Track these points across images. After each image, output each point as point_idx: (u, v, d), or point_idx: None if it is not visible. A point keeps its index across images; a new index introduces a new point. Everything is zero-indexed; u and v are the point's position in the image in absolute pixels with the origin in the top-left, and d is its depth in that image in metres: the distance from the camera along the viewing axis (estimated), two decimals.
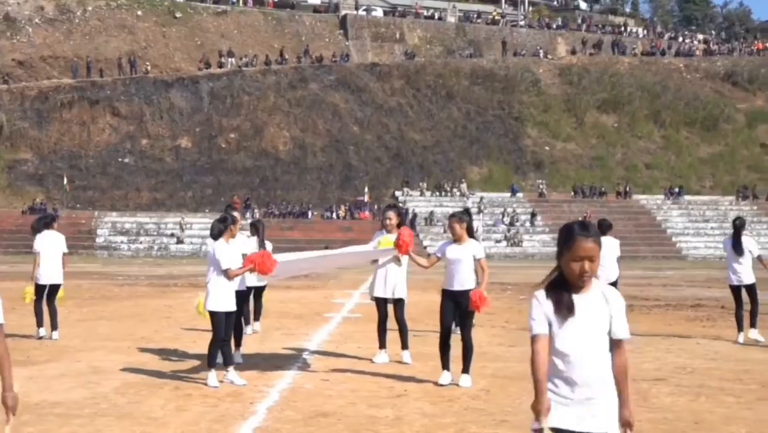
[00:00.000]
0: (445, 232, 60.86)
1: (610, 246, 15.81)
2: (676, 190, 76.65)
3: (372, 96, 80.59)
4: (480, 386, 11.48)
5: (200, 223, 64.08)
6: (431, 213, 67.26)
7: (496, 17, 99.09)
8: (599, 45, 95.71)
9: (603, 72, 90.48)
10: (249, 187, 69.97)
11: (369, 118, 78.82)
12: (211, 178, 71.39)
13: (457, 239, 11.81)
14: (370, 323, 18.13)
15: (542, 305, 4.93)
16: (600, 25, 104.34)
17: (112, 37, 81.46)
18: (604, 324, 4.89)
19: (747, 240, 16.46)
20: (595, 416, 4.84)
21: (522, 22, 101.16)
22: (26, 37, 79.65)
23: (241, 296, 13.19)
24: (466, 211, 12.84)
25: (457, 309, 11.70)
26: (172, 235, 63.58)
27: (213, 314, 11.76)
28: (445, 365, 11.80)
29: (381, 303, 13.57)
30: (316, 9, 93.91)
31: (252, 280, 14.85)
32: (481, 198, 71.67)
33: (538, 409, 4.75)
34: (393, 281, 13.27)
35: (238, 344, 13.45)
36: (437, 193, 73.14)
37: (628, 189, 76.07)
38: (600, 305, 4.89)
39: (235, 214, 12.79)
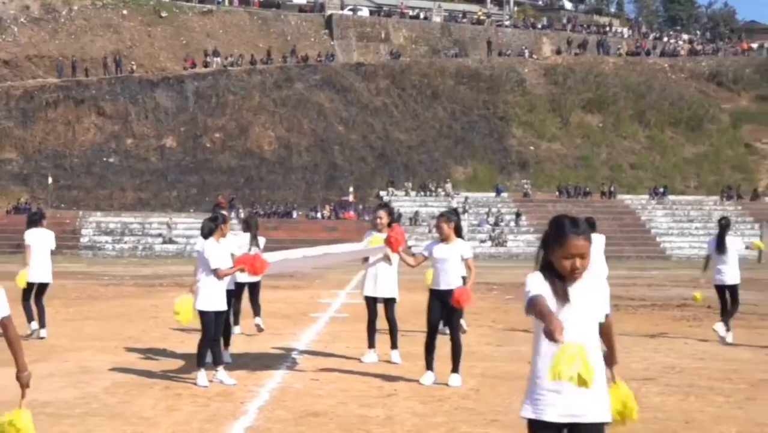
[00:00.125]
0: (430, 232, 60.96)
1: (595, 242, 15.84)
2: (661, 190, 76.82)
3: (357, 96, 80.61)
4: (469, 386, 11.51)
5: (185, 223, 64.06)
6: (416, 213, 67.28)
7: (482, 17, 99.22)
8: (584, 45, 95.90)
9: (588, 72, 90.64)
10: (234, 187, 69.89)
11: (354, 118, 78.84)
12: (196, 178, 71.27)
13: (444, 239, 11.86)
14: (357, 322, 18.19)
15: (540, 282, 4.94)
16: (585, 25, 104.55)
17: (97, 36, 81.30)
18: (595, 311, 4.95)
19: (731, 239, 16.54)
20: (584, 406, 4.89)
21: (507, 22, 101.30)
22: (11, 37, 79.37)
23: (230, 295, 13.19)
24: (454, 211, 12.89)
25: (444, 308, 11.72)
26: (160, 235, 63.44)
27: (203, 314, 11.77)
28: (429, 365, 11.85)
29: (371, 302, 13.57)
30: (301, 9, 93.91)
31: (244, 276, 14.91)
32: (466, 198, 71.73)
33: (551, 329, 4.53)
34: (384, 280, 13.28)
35: (226, 344, 13.43)
36: (422, 193, 73.17)
37: (612, 189, 76.23)
38: (590, 293, 4.96)
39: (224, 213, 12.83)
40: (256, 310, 16.95)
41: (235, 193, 67.78)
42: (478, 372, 12.60)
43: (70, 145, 71.83)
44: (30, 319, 16.00)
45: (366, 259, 13.47)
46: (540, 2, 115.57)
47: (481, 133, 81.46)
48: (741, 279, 16.76)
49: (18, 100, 73.52)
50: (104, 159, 71.72)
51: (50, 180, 67.02)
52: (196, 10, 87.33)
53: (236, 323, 16.62)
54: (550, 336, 4.52)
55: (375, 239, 12.71)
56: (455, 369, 11.74)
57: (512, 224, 69.61)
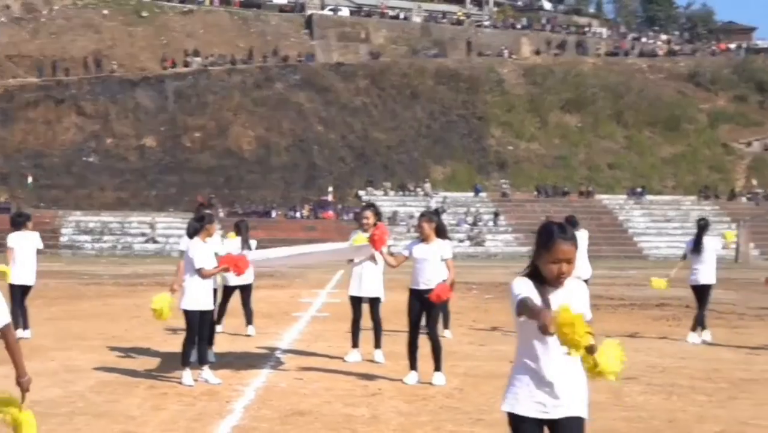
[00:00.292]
0: (408, 231, 61.12)
1: (579, 238, 15.92)
2: (639, 190, 77.16)
3: (337, 96, 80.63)
4: (453, 385, 11.61)
5: (164, 222, 64.10)
6: (395, 213, 67.35)
7: (461, 17, 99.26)
8: (563, 45, 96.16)
9: (567, 72, 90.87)
10: (213, 187, 69.75)
11: (333, 118, 78.85)
12: (175, 178, 71.11)
13: (424, 239, 11.95)
14: (339, 321, 18.30)
15: (525, 284, 5.06)
16: (564, 26, 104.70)
17: (78, 36, 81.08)
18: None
19: (709, 240, 16.66)
20: (563, 401, 5.04)
21: (487, 23, 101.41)
22: None
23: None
24: (436, 212, 13.01)
25: (424, 308, 11.80)
26: (142, 234, 63.46)
27: (187, 313, 11.81)
28: (413, 365, 11.93)
29: (356, 302, 13.67)
30: (282, 9, 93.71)
31: (236, 279, 15.06)
32: (445, 198, 71.89)
33: (545, 324, 4.64)
34: (369, 280, 13.37)
35: (210, 343, 13.48)
36: (401, 193, 73.27)
37: (590, 189, 76.51)
38: (570, 297, 5.05)
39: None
40: (249, 317, 17.05)
41: (214, 193, 67.65)
42: (461, 371, 12.70)
43: (50, 144, 71.59)
44: (16, 325, 15.97)
45: (352, 259, 13.57)
46: (519, 3, 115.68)
47: (459, 133, 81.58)
48: (717, 280, 16.90)
49: None
50: (84, 158, 71.52)
51: (30, 179, 66.83)
52: (177, 10, 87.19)
53: (218, 322, 16.75)
54: (545, 330, 4.66)
55: (359, 238, 12.76)
56: (437, 368, 11.83)
57: (490, 223, 69.82)
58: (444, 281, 11.73)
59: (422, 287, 11.75)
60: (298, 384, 11.75)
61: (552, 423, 5.06)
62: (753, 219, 69.48)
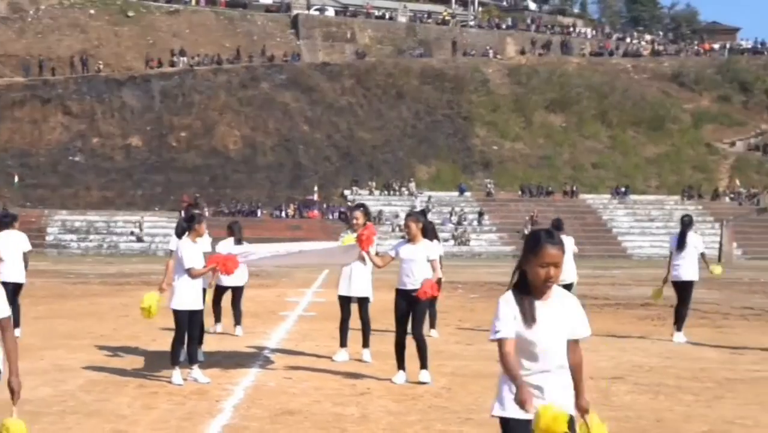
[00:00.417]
0: (393, 231, 61.26)
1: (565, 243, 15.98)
2: (622, 189, 77.36)
3: (322, 95, 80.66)
4: (441, 385, 11.65)
5: (149, 221, 64.15)
6: (380, 212, 67.43)
7: (447, 17, 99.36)
8: (548, 45, 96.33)
9: (551, 72, 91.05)
10: (199, 186, 69.66)
11: (319, 118, 78.88)
12: (161, 177, 71.03)
13: (411, 239, 12.00)
14: (326, 321, 18.37)
15: (510, 308, 5.17)
16: (549, 26, 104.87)
17: (64, 35, 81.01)
18: (563, 328, 5.19)
19: (693, 237, 16.71)
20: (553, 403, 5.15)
21: (472, 23, 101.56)
22: None
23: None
24: (422, 212, 13.09)
25: (410, 308, 11.87)
26: (132, 233, 63.51)
27: (176, 313, 11.85)
28: (401, 365, 11.99)
29: (344, 302, 13.72)
30: (267, 8, 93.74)
31: (229, 280, 15.14)
32: (429, 197, 71.98)
33: (522, 400, 4.93)
34: (358, 279, 13.42)
35: (199, 342, 13.52)
36: (386, 193, 73.33)
37: (574, 188, 76.70)
38: (559, 311, 5.19)
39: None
40: (238, 318, 17.11)
41: (200, 193, 67.61)
42: (449, 371, 12.76)
43: (36, 143, 71.48)
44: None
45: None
46: (504, 3, 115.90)
47: (444, 132, 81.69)
48: (700, 279, 17.02)
49: None
50: (70, 158, 71.41)
51: (16, 178, 66.71)
52: (163, 10, 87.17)
53: (218, 320, 16.89)
54: (521, 405, 4.91)
55: (348, 238, 12.82)
56: (423, 366, 11.89)
57: (475, 223, 69.98)
58: (429, 279, 11.79)
59: (409, 287, 11.80)
60: (287, 383, 11.79)
61: None
62: (736, 219, 69.77)
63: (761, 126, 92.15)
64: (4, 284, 16.04)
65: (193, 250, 11.93)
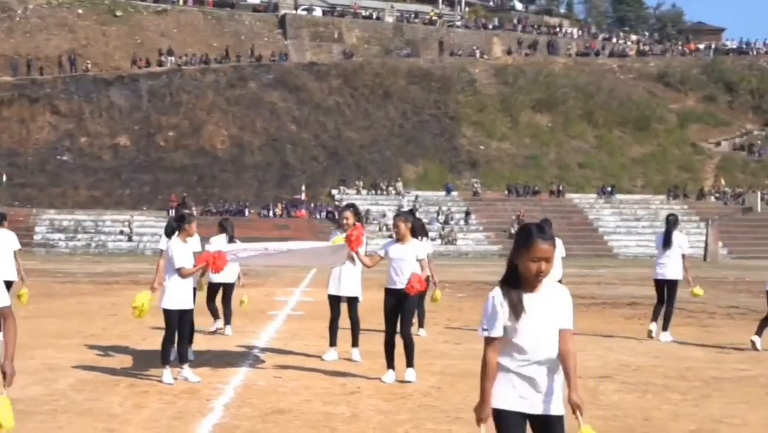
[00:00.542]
0: (380, 230, 61.37)
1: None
2: (609, 189, 77.60)
3: (310, 95, 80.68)
4: (430, 384, 11.71)
5: (137, 221, 64.11)
6: (367, 211, 67.42)
7: (434, 17, 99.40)
8: (534, 45, 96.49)
9: (538, 72, 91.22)
10: (187, 186, 69.62)
11: (307, 117, 78.89)
12: (149, 176, 70.96)
13: (400, 238, 12.06)
14: (314, 320, 18.42)
15: (499, 305, 5.26)
16: (535, 26, 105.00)
17: (52, 35, 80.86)
18: (554, 320, 5.28)
19: (678, 236, 16.79)
20: (543, 400, 5.26)
21: (459, 23, 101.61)
22: None
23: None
24: (411, 212, 13.16)
25: (399, 307, 11.94)
26: (121, 232, 63.53)
27: (167, 312, 11.89)
28: (390, 364, 12.04)
29: (334, 301, 13.77)
30: (255, 8, 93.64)
31: (221, 277, 15.18)
32: (416, 197, 72.07)
33: (479, 415, 5.28)
34: (347, 279, 13.47)
35: (189, 341, 13.57)
36: (373, 192, 73.40)
37: (561, 188, 76.86)
38: (550, 303, 5.28)
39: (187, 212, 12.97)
40: (228, 317, 17.13)
41: (187, 192, 67.57)
42: (438, 370, 12.81)
43: (24, 143, 71.35)
44: None
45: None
46: (491, 3, 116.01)
47: (431, 132, 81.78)
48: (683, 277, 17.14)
49: None
50: (58, 157, 71.30)
51: (4, 178, 66.58)
52: (151, 10, 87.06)
53: (217, 317, 16.92)
54: (477, 419, 5.31)
55: (338, 239, 12.83)
56: (410, 364, 11.97)
57: (462, 222, 70.12)
58: (417, 273, 11.84)
59: (398, 286, 11.86)
60: (277, 382, 11.83)
61: (534, 419, 5.27)
62: (721, 218, 70.20)
63: (746, 126, 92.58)
64: None
65: (183, 250, 11.98)
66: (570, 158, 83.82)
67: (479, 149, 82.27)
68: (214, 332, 16.84)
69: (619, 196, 77.24)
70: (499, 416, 5.28)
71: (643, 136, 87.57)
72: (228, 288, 17.02)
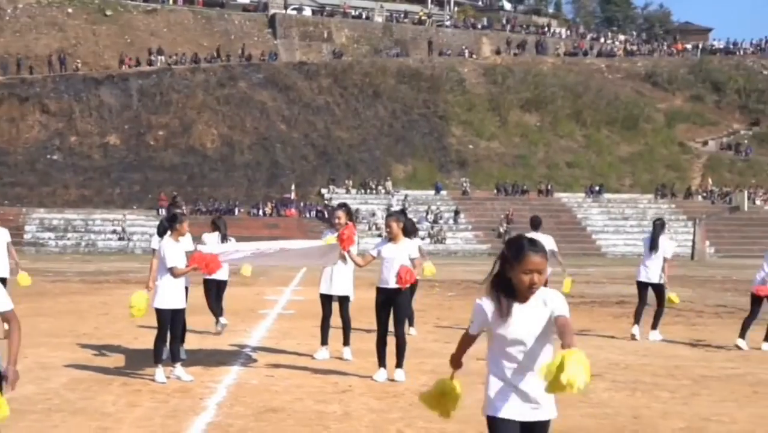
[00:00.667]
0: (370, 229, 61.45)
1: (544, 241, 16.15)
2: (597, 188, 77.74)
3: (299, 94, 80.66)
4: (421, 382, 11.69)
5: (128, 220, 64.09)
6: (357, 210, 67.41)
7: (423, 17, 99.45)
8: (523, 45, 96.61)
9: (527, 72, 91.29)
10: (177, 185, 69.55)
11: (296, 117, 78.88)
12: (139, 175, 70.90)
13: (392, 238, 12.12)
14: (305, 319, 18.49)
15: (484, 311, 5.40)
16: (524, 26, 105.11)
17: (42, 34, 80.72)
18: (542, 326, 5.34)
19: (664, 240, 16.91)
20: (536, 408, 5.34)
21: (448, 22, 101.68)
22: None
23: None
24: (403, 212, 13.23)
25: (391, 306, 12.02)
26: (114, 231, 63.52)
27: (159, 311, 11.95)
28: (382, 363, 12.12)
29: (326, 300, 13.83)
30: (245, 8, 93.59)
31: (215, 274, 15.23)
32: (406, 196, 72.11)
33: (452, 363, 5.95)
34: (339, 278, 13.54)
35: (181, 340, 13.62)
36: (363, 191, 73.44)
37: (549, 187, 76.95)
38: (540, 308, 5.32)
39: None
40: (220, 310, 17.18)
41: (177, 191, 67.44)
42: (429, 369, 12.84)
43: (14, 142, 71.23)
44: None
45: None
46: (480, 3, 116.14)
47: (421, 131, 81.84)
48: (672, 278, 17.24)
49: None
50: (48, 156, 71.18)
51: None
52: (141, 9, 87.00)
53: (221, 314, 16.97)
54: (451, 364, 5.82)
55: (330, 238, 12.83)
56: (399, 364, 12.06)
57: (451, 221, 70.19)
58: (405, 265, 11.89)
59: (390, 285, 11.91)
60: (269, 381, 11.89)
61: (525, 425, 5.35)
62: (709, 217, 70.38)
63: (733, 126, 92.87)
64: None
65: (175, 249, 12.03)
66: (558, 157, 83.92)
67: (468, 148, 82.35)
68: (219, 332, 16.84)
69: (607, 196, 77.38)
70: (492, 423, 5.37)
71: (631, 136, 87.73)
72: (222, 285, 17.07)
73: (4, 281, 16.26)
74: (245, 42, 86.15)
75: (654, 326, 16.77)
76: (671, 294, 17.01)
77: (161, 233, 12.37)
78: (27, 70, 76.14)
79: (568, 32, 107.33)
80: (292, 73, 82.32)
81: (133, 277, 34.25)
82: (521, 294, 5.29)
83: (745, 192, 77.03)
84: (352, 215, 13.54)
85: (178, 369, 12.06)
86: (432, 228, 67.84)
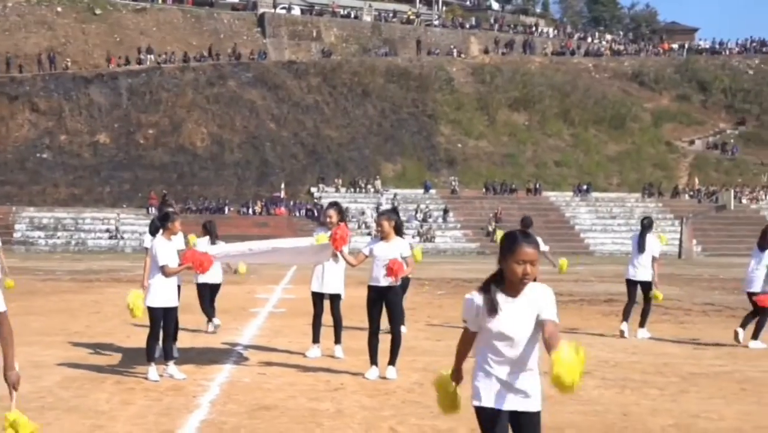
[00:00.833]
0: (359, 228, 61.50)
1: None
2: (585, 187, 77.89)
3: (289, 93, 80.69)
4: (413, 380, 11.81)
5: (120, 219, 64.13)
6: (346, 209, 67.36)
7: (411, 16, 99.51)
8: (511, 45, 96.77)
9: (514, 71, 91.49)
10: (167, 183, 69.58)
11: (285, 116, 78.92)
12: (129, 174, 70.88)
13: (384, 237, 12.18)
14: (296, 317, 18.52)
15: (475, 306, 5.53)
16: (512, 25, 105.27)
17: (31, 33, 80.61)
18: (531, 322, 5.47)
19: (651, 240, 16.99)
20: (521, 397, 5.48)
21: (436, 22, 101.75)
22: None
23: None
24: (394, 210, 13.27)
25: (384, 304, 12.11)
26: (107, 230, 63.50)
27: (151, 310, 11.99)
28: (374, 361, 12.16)
29: (317, 298, 13.84)
30: (234, 7, 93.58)
31: (208, 277, 15.27)
32: (395, 194, 72.17)
33: (453, 378, 5.88)
34: (330, 276, 13.57)
35: (174, 339, 13.63)
36: (352, 190, 73.49)
37: (538, 186, 77.09)
38: (529, 305, 5.45)
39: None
40: (213, 311, 17.22)
41: (167, 189, 67.49)
42: (420, 366, 12.90)
43: (4, 141, 71.19)
44: None
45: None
46: (468, 2, 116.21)
47: (410, 130, 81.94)
48: (660, 276, 17.31)
49: None
50: (38, 155, 71.13)
51: None
52: (130, 8, 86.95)
53: (214, 315, 17.02)
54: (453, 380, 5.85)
55: (321, 237, 12.80)
56: (392, 362, 12.10)
57: (440, 220, 70.30)
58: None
59: (382, 283, 11.97)
60: (262, 379, 11.93)
61: (513, 415, 5.48)
62: (696, 216, 70.60)
63: (719, 125, 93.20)
64: None
65: (167, 248, 12.04)
66: (546, 156, 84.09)
67: (457, 147, 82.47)
68: (214, 331, 16.87)
69: (595, 194, 77.54)
70: (481, 412, 5.51)
71: (618, 135, 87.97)
72: (215, 288, 17.13)
73: None
74: (235, 41, 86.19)
75: (642, 324, 16.86)
76: (656, 291, 17.11)
77: (153, 231, 12.42)
78: (16, 68, 76.08)
79: (556, 32, 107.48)
80: (282, 72, 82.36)
81: (124, 275, 34.26)
82: (513, 286, 5.43)
83: (732, 191, 77.27)
84: (343, 214, 13.59)
85: (171, 367, 12.09)
86: (421, 227, 67.94)
